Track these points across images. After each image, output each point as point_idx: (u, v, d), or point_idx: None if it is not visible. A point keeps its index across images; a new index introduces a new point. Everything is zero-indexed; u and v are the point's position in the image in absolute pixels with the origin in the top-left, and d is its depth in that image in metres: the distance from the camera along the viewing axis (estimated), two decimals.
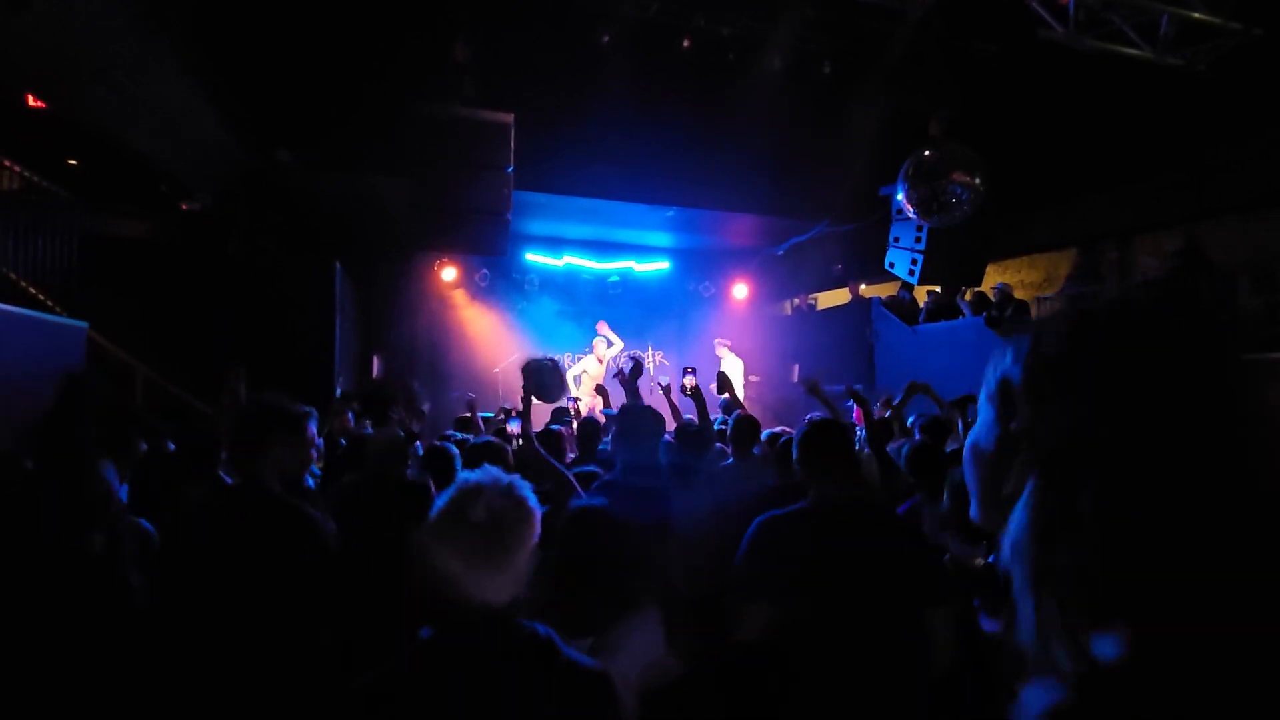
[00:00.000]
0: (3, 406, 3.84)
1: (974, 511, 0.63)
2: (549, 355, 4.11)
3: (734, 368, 8.52)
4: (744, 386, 8.54)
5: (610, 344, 8.56)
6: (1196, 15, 5.72)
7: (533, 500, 1.18)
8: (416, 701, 1.07)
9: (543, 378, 3.57)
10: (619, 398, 4.10)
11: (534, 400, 3.25)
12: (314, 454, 1.96)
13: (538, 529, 1.18)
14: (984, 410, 0.62)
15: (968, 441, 0.64)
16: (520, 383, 3.32)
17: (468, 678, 1.08)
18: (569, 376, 8.81)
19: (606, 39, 6.81)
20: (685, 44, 7.04)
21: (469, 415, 4.82)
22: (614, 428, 2.59)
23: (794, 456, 1.98)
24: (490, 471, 1.19)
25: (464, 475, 1.19)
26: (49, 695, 1.49)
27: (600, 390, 4.85)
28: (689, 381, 6.70)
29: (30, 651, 1.49)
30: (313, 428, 1.93)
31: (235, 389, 2.25)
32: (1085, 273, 7.69)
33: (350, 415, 4.98)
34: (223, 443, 2.28)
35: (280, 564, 1.69)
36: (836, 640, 1.67)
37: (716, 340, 8.91)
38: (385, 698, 1.08)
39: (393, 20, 6.28)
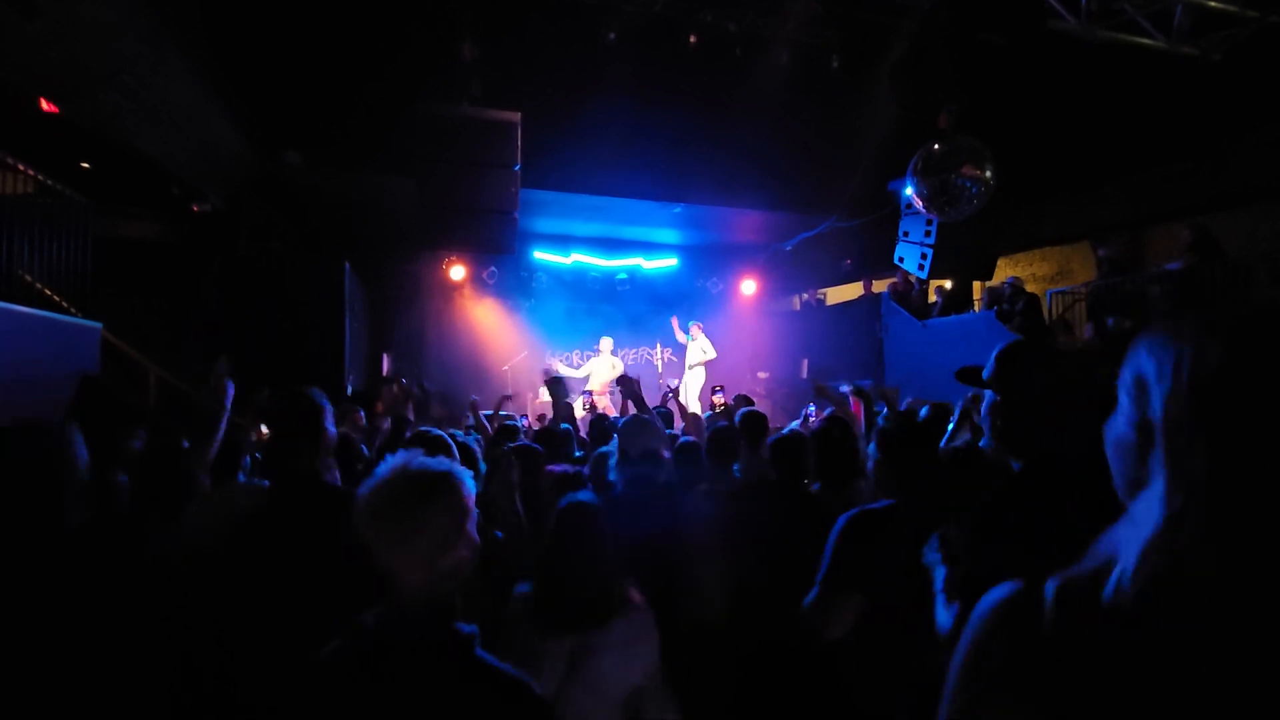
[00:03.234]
0: (17, 406, 3.90)
1: (1120, 492, 0.70)
2: (552, 373, 4.46)
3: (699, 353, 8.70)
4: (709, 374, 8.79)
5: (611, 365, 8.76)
6: (1212, 3, 5.63)
7: (458, 482, 1.16)
8: (333, 694, 1.08)
9: (559, 390, 3.90)
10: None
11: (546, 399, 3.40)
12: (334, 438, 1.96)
13: (458, 512, 1.15)
14: (1121, 403, 0.68)
15: (1109, 433, 0.71)
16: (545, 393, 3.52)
17: (378, 672, 1.07)
18: (580, 374, 8.98)
19: (612, 36, 6.80)
20: (691, 40, 7.01)
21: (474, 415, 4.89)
22: (614, 442, 2.61)
23: (874, 456, 1.97)
24: (418, 453, 1.19)
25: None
26: (58, 680, 1.50)
27: (591, 406, 4.95)
28: (718, 400, 6.76)
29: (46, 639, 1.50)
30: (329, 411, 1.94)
31: (222, 379, 2.25)
32: (1113, 263, 7.56)
33: (361, 413, 5.02)
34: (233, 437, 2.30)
35: (341, 553, 1.69)
36: (915, 635, 1.68)
37: (693, 324, 8.99)
38: (315, 685, 1.09)
39: (399, 21, 6.30)
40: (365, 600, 1.62)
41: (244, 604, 1.66)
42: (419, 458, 1.17)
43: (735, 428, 3.05)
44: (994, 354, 1.44)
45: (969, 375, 1.49)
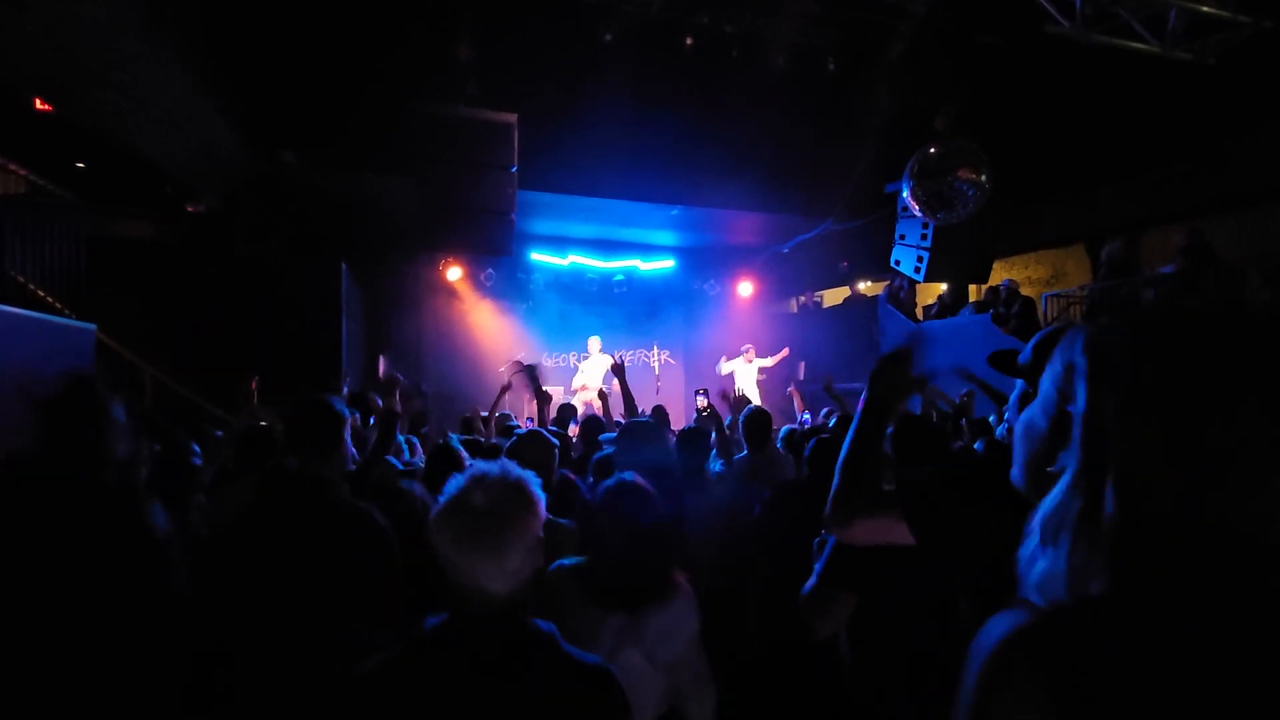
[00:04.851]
0: (13, 408, 3.86)
1: (1017, 477, 0.72)
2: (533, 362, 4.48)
3: (746, 374, 8.64)
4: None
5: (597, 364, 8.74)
6: (1205, 9, 5.66)
7: (535, 492, 1.17)
8: (410, 693, 1.08)
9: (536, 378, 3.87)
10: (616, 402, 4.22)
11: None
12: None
13: (539, 521, 1.16)
14: (1044, 390, 0.69)
15: (1022, 417, 0.72)
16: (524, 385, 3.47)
17: (464, 671, 1.08)
18: (574, 382, 8.96)
19: (609, 37, 6.79)
20: (688, 42, 7.02)
21: (471, 416, 4.88)
22: (616, 445, 2.59)
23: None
24: (500, 463, 1.19)
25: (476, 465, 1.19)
26: (74, 692, 1.49)
27: (601, 395, 4.88)
28: (701, 403, 6.76)
29: (53, 652, 1.49)
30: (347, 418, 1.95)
31: (252, 398, 2.28)
32: (1114, 265, 7.59)
33: (357, 415, 4.99)
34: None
35: (349, 566, 1.70)
36: (906, 628, 1.71)
37: (745, 347, 9.00)
38: (382, 687, 1.09)
39: (396, 21, 6.29)
40: (343, 606, 1.64)
41: (227, 601, 1.67)
42: (495, 472, 1.16)
43: (704, 430, 3.05)
44: (1033, 343, 1.37)
45: (1001, 361, 1.43)
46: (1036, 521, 0.65)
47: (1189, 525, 0.57)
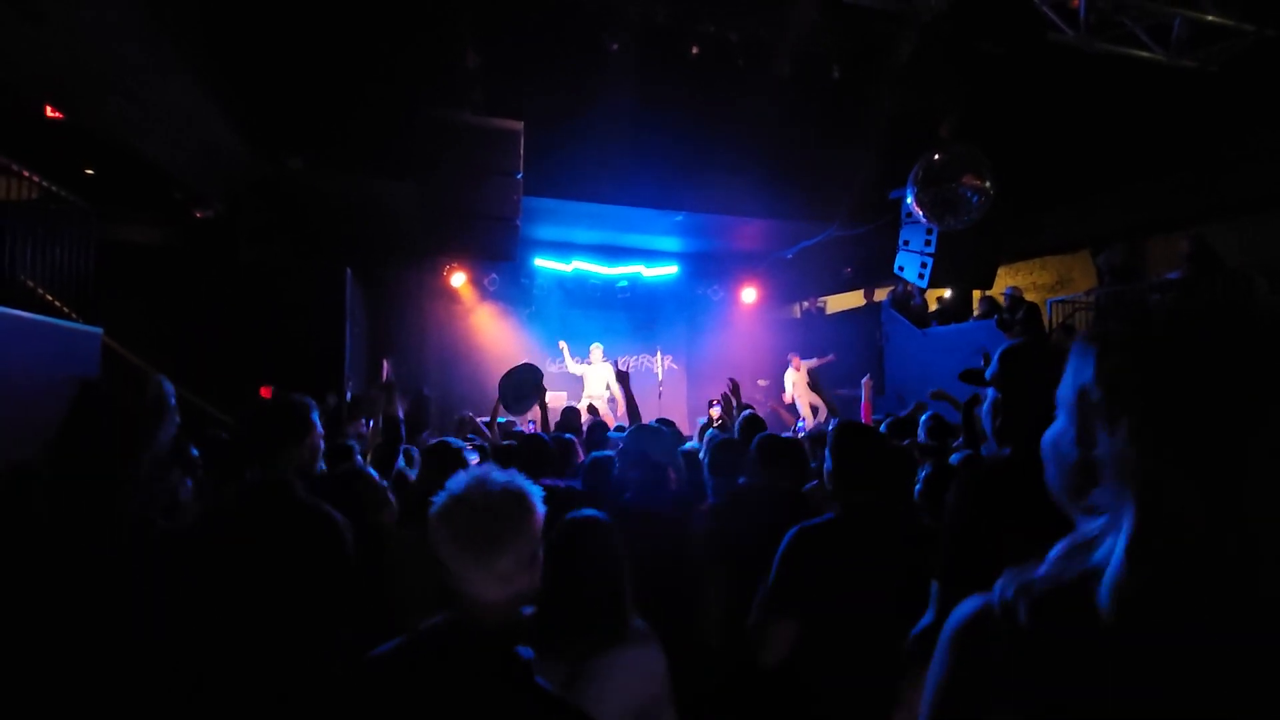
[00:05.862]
0: (18, 412, 3.89)
1: (1059, 495, 0.68)
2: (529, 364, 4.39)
3: (798, 381, 8.74)
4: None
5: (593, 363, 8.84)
6: (1209, 17, 5.67)
7: (534, 499, 1.15)
8: (384, 699, 1.07)
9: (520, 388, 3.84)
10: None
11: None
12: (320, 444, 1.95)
13: (535, 532, 1.14)
14: (1061, 417, 0.67)
15: (1047, 439, 0.69)
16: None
17: (429, 687, 1.06)
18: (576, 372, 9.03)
19: (615, 46, 6.83)
20: (693, 50, 7.05)
21: (466, 419, 4.89)
22: (622, 450, 2.57)
23: (826, 462, 1.95)
24: (492, 467, 1.18)
25: (471, 471, 1.17)
26: (62, 697, 1.50)
27: (591, 409, 4.90)
28: (714, 414, 6.78)
29: (47, 656, 1.49)
30: (315, 417, 1.93)
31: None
32: (1114, 270, 7.57)
33: (362, 420, 5.01)
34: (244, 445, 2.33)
35: (302, 564, 1.70)
36: (866, 653, 1.66)
37: (788, 356, 9.08)
38: (367, 689, 1.09)
39: (402, 27, 6.33)
40: (306, 612, 1.63)
41: (187, 605, 1.66)
42: (497, 474, 1.14)
43: (737, 440, 3.01)
44: (997, 353, 1.47)
45: (971, 375, 1.53)
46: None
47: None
